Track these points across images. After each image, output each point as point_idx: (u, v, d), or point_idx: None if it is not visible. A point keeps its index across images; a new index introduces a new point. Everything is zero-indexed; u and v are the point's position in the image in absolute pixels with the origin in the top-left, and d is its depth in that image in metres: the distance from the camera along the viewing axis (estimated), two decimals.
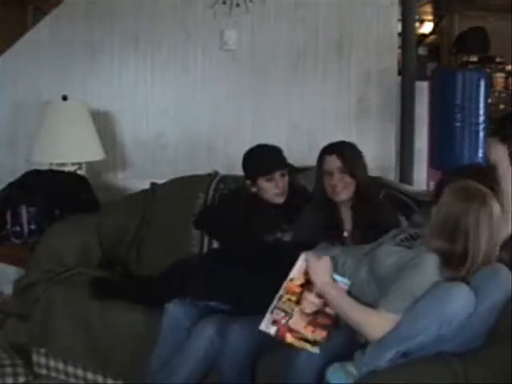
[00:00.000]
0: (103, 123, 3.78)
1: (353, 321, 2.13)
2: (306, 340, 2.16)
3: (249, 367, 2.29)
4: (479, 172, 2.45)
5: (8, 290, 3.38)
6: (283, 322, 2.17)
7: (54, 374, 2.80)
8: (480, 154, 4.72)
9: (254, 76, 3.86)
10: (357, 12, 3.83)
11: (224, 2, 3.68)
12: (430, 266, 2.07)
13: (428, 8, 8.23)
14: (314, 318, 2.20)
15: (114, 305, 2.64)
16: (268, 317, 2.17)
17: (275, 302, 2.18)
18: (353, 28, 3.84)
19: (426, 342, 2.02)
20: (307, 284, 2.22)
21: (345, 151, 2.62)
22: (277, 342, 2.21)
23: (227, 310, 2.41)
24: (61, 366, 2.78)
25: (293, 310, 2.19)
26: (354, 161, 2.63)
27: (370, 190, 2.65)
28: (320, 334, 2.17)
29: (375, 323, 2.08)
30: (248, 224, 2.72)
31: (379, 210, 2.61)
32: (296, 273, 2.22)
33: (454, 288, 2.01)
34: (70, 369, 2.77)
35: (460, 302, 1.99)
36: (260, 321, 2.22)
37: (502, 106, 7.37)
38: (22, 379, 2.72)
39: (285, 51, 3.85)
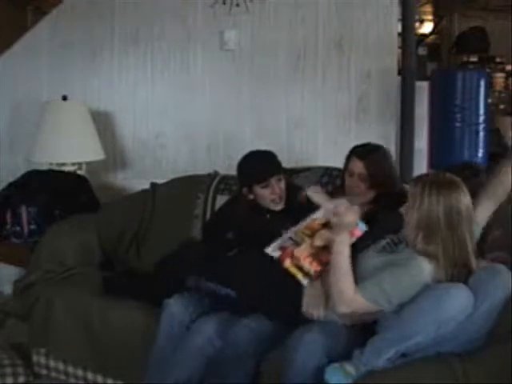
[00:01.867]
0: (103, 123, 3.78)
1: (336, 279, 2.15)
2: (301, 269, 2.25)
3: (253, 367, 2.27)
4: (468, 169, 2.45)
5: (8, 289, 3.38)
6: (290, 248, 2.26)
7: (54, 374, 2.80)
8: (480, 154, 4.74)
9: (254, 76, 3.86)
10: (357, 12, 3.83)
11: (224, 2, 3.68)
12: (416, 268, 2.07)
13: (428, 8, 8.23)
14: (317, 253, 2.26)
15: (114, 304, 2.64)
16: (278, 242, 2.27)
17: (289, 233, 2.26)
18: (353, 28, 3.84)
19: (424, 342, 2.02)
20: (328, 225, 2.28)
21: (374, 162, 2.58)
22: (279, 340, 2.24)
23: (229, 301, 2.39)
24: (61, 366, 2.78)
25: (303, 240, 2.27)
26: (379, 172, 2.59)
27: (389, 203, 2.53)
28: (315, 267, 2.25)
29: (348, 299, 2.10)
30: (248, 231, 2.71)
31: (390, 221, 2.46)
32: (321, 215, 2.29)
33: (453, 288, 2.01)
34: (70, 369, 2.76)
35: (459, 302, 1.99)
36: (261, 320, 2.27)
37: (501, 106, 7.37)
38: (22, 379, 2.72)
39: (285, 51, 3.85)
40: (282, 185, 2.69)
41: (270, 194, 2.66)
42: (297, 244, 2.28)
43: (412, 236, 2.15)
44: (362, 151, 2.64)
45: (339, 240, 2.20)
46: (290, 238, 2.28)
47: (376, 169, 2.59)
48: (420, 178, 2.22)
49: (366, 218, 2.51)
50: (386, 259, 2.17)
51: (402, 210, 2.20)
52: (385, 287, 2.07)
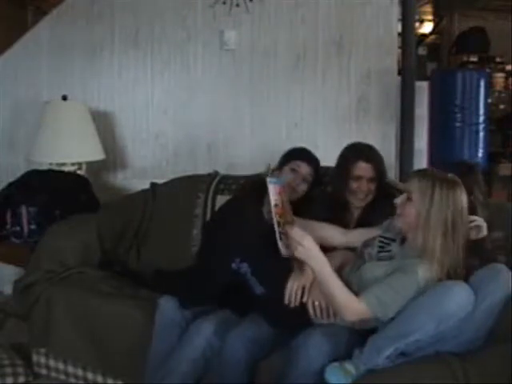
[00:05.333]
0: (103, 123, 3.78)
1: (333, 298, 2.09)
2: None
3: (250, 370, 2.26)
4: (464, 166, 2.45)
5: (8, 289, 3.38)
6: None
7: (53, 374, 2.79)
8: (480, 154, 4.74)
9: (254, 76, 3.87)
10: (357, 12, 3.84)
11: (224, 2, 3.69)
12: (414, 278, 2.04)
13: (428, 8, 8.23)
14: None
15: (113, 304, 2.64)
16: (280, 243, 2.19)
17: (276, 229, 2.18)
18: (353, 28, 3.85)
19: (424, 340, 2.02)
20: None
21: (379, 162, 2.63)
22: (281, 341, 2.25)
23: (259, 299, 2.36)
24: (61, 365, 2.77)
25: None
26: (384, 170, 2.66)
27: (385, 196, 2.60)
28: None
29: (355, 310, 2.06)
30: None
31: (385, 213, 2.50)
32: (273, 197, 2.18)
33: (454, 286, 2.01)
34: (70, 369, 2.76)
35: (459, 299, 1.99)
36: (259, 323, 2.28)
37: (501, 106, 7.37)
38: (22, 379, 2.71)
39: (285, 51, 3.86)
40: (304, 185, 2.71)
41: (293, 180, 2.68)
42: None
43: (408, 231, 2.14)
44: (366, 153, 2.63)
45: (316, 269, 2.11)
46: (283, 233, 2.17)
47: (382, 167, 2.65)
48: (426, 172, 2.18)
49: (367, 210, 2.62)
50: (387, 269, 2.14)
51: (397, 200, 2.15)
52: (384, 299, 2.05)
